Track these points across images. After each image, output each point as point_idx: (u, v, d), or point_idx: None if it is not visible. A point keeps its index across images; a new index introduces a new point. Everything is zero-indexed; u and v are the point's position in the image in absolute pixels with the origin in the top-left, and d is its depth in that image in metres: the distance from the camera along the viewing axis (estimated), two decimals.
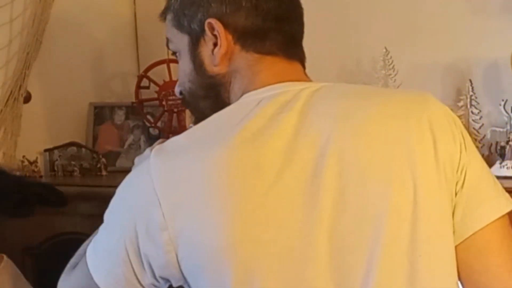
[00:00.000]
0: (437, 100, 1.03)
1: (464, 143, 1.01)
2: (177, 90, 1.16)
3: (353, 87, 1.11)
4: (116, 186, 1.05)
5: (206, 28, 1.06)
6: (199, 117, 1.13)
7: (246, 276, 0.93)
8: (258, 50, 1.06)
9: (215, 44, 1.06)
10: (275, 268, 0.93)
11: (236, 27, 1.05)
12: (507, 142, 1.96)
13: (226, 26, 1.05)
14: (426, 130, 0.98)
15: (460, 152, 1.00)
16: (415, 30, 2.23)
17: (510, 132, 1.98)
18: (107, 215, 1.04)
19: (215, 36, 1.06)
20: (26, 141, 2.41)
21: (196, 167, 0.95)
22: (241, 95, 1.05)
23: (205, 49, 1.08)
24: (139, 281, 0.99)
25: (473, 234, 0.99)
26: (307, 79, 1.09)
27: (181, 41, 1.11)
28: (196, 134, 1.02)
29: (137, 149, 2.58)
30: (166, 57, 2.53)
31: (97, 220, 1.13)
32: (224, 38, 1.05)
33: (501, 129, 2.01)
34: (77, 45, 2.57)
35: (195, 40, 1.09)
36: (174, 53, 1.15)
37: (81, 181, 2.42)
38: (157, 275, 0.98)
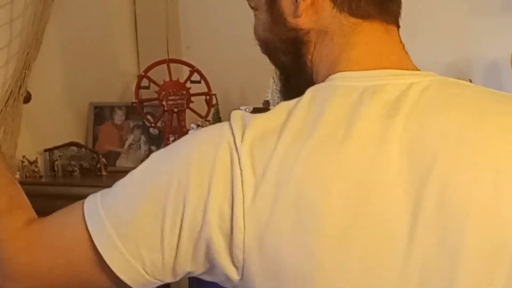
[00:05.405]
0: None
1: None
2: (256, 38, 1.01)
3: (466, 92, 0.92)
4: None
5: None
6: (282, 72, 0.99)
7: None
8: (353, 12, 0.90)
9: None
10: None
11: None
12: None
13: None
14: None
15: None
16: (415, 30, 2.23)
17: None
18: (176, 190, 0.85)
19: None
20: (26, 141, 2.41)
21: (290, 167, 0.81)
22: (331, 68, 0.90)
23: None
24: (174, 268, 0.85)
25: None
26: (408, 62, 0.96)
27: None
28: (291, 122, 0.84)
29: (137, 149, 2.59)
30: (166, 57, 2.53)
31: None
32: None
33: None
34: (77, 46, 2.57)
35: None
36: (253, 8, 0.98)
37: (81, 181, 2.43)
38: (207, 265, 0.85)
